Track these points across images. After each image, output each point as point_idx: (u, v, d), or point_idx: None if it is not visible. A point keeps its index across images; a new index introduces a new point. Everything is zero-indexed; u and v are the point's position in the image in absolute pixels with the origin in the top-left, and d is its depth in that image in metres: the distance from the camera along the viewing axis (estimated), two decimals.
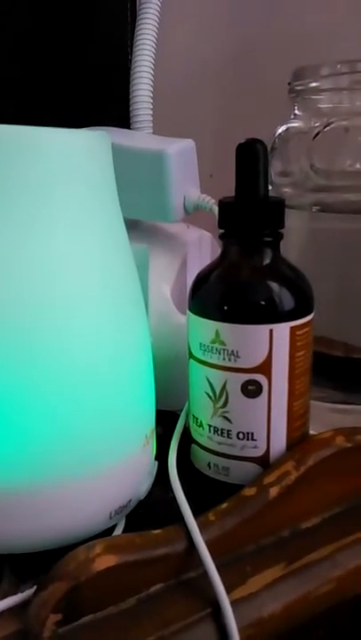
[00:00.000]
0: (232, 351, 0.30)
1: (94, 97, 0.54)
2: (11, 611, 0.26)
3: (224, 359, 0.30)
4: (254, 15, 0.60)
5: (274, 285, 0.30)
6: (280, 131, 0.41)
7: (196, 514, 0.28)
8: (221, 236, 0.32)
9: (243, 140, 0.29)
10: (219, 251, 0.32)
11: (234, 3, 0.61)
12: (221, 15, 0.61)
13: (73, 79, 0.53)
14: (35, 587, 0.26)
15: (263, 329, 0.29)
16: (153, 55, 0.45)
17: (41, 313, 0.27)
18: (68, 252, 0.28)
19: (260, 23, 0.60)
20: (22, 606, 0.26)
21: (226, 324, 0.30)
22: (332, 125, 0.38)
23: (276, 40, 0.59)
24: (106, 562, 0.25)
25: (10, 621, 0.26)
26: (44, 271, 0.27)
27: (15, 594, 0.27)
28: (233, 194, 0.30)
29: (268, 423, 0.30)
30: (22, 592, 0.27)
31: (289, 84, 0.41)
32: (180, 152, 0.39)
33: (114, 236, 0.30)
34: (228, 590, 0.26)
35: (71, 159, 0.27)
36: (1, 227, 0.27)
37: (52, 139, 0.27)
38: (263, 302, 0.30)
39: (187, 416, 0.34)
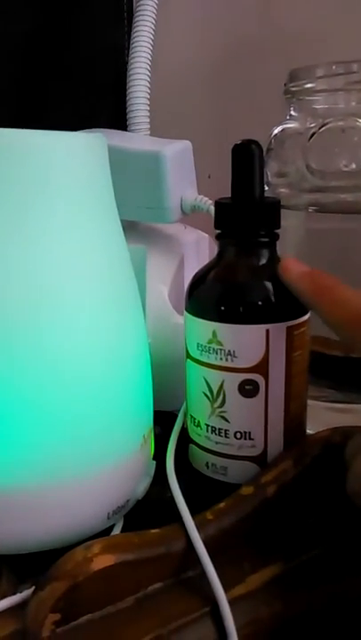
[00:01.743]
0: (229, 351, 0.30)
1: (91, 99, 0.54)
2: (9, 611, 0.27)
3: (221, 359, 0.30)
4: (250, 16, 0.60)
5: (270, 285, 0.30)
6: (276, 132, 0.42)
7: (194, 513, 0.28)
8: (218, 237, 0.32)
9: (239, 142, 0.29)
10: (216, 251, 0.32)
11: (229, 3, 0.61)
12: (217, 16, 0.61)
13: (69, 81, 0.54)
14: (33, 587, 0.26)
15: (260, 329, 0.29)
16: (149, 57, 0.45)
17: (38, 314, 0.27)
18: (65, 254, 0.28)
19: (255, 24, 0.60)
20: (21, 606, 0.26)
21: (223, 324, 0.30)
22: (328, 126, 0.38)
23: (271, 40, 0.59)
24: (104, 561, 0.25)
25: (8, 621, 0.26)
26: (41, 273, 0.27)
27: (14, 594, 0.27)
28: (230, 194, 0.31)
29: (266, 422, 0.31)
30: (21, 592, 0.27)
31: (285, 85, 0.41)
32: (176, 153, 0.39)
33: (111, 237, 0.30)
34: (227, 589, 0.26)
35: (67, 161, 0.28)
36: None
37: (47, 141, 0.27)
38: (260, 302, 0.30)
39: (184, 416, 0.34)
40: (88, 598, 0.24)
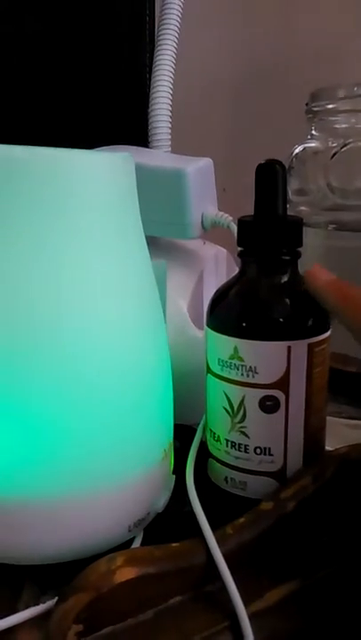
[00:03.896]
0: (250, 367, 0.30)
1: (113, 115, 0.55)
2: (32, 621, 0.27)
3: (242, 375, 0.30)
4: (271, 35, 0.61)
5: (292, 303, 0.31)
6: (297, 151, 0.42)
7: (212, 527, 0.28)
8: (240, 254, 0.32)
9: (263, 161, 0.30)
10: (234, 266, 0.33)
11: (251, 22, 0.62)
12: (238, 34, 0.62)
13: (92, 98, 0.54)
14: (55, 597, 0.26)
15: (281, 345, 0.30)
16: (172, 75, 0.45)
17: (62, 327, 0.28)
18: (91, 270, 0.28)
19: (276, 42, 0.61)
20: (43, 617, 0.27)
21: (244, 340, 0.30)
22: (349, 146, 0.39)
23: (291, 58, 0.60)
24: (126, 574, 0.25)
25: (31, 632, 0.26)
26: (67, 286, 0.28)
27: (36, 605, 0.28)
28: (245, 208, 0.31)
29: (285, 438, 0.31)
30: (43, 603, 0.27)
31: (306, 104, 0.42)
32: (198, 171, 0.40)
33: (135, 252, 0.31)
34: (246, 603, 0.26)
35: (96, 180, 0.28)
36: (26, 244, 0.27)
37: (78, 161, 0.28)
38: (281, 319, 0.30)
39: (204, 430, 0.34)
40: (110, 610, 0.25)
